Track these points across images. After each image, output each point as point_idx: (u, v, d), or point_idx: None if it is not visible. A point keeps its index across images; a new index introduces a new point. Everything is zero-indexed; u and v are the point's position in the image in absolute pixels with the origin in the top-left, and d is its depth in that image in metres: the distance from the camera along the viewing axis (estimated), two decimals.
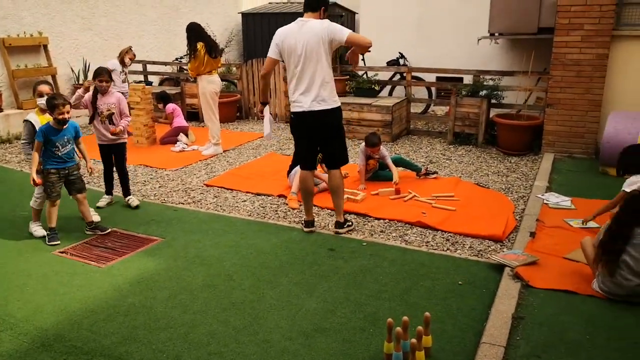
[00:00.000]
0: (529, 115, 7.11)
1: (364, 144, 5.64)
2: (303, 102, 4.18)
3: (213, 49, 6.77)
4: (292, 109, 4.30)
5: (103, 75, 4.92)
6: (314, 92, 4.15)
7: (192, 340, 3.00)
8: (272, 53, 4.26)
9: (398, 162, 5.92)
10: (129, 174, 5.47)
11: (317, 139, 4.34)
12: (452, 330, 3.05)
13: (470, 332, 3.02)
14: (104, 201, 5.23)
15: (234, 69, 9.46)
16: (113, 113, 4.99)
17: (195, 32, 6.75)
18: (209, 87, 6.85)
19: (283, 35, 4.19)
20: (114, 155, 5.17)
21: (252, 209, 5.08)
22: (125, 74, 7.70)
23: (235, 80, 9.48)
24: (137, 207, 5.12)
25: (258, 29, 12.05)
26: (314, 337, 3.02)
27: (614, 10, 6.23)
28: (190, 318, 3.22)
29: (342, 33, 4.05)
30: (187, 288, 3.57)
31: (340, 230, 4.45)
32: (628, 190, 3.87)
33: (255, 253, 4.08)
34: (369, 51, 4.11)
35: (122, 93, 5.93)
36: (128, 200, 5.19)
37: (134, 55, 7.77)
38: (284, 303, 3.37)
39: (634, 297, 3.20)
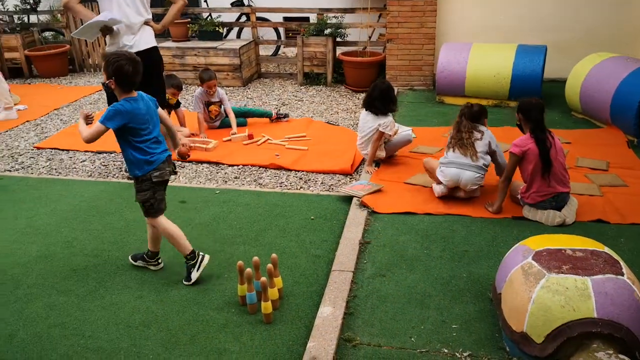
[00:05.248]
0: (373, 52, 7.35)
1: (199, 89, 5.38)
2: None
3: None
4: None
5: None
6: None
7: (27, 316, 2.72)
8: None
9: (246, 113, 5.76)
10: None
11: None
12: (305, 264, 3.13)
13: (323, 262, 3.13)
14: None
15: (59, 15, 8.39)
16: None
17: None
18: None
19: None
20: None
21: (93, 169, 4.67)
22: None
23: (63, 29, 8.44)
24: None
25: None
26: (167, 292, 2.91)
27: None
28: (25, 292, 2.91)
29: None
30: (18, 262, 3.20)
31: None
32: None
33: (98, 215, 3.77)
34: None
35: None
36: None
37: None
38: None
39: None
